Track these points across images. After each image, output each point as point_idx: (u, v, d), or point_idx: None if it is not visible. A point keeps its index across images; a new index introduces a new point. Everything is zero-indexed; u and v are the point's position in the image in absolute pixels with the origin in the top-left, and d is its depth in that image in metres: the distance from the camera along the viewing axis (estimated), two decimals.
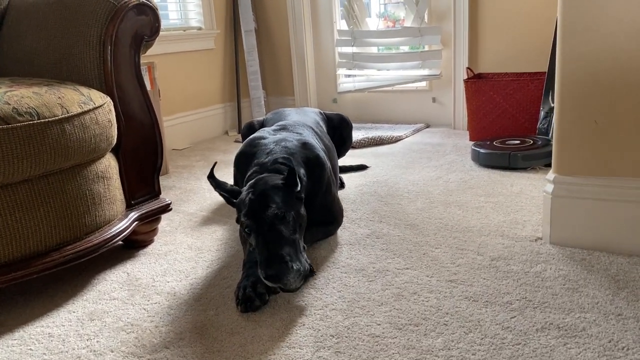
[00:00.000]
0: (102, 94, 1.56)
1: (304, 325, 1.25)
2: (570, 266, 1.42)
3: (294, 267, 1.28)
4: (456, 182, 2.23)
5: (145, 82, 2.02)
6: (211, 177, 1.51)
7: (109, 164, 1.60)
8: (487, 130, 2.85)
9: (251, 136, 1.77)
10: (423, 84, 3.42)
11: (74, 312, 1.39)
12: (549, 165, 2.31)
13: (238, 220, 1.44)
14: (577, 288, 1.31)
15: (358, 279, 1.44)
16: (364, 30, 3.47)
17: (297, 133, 1.76)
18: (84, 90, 1.51)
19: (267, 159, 1.57)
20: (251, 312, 1.31)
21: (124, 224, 1.63)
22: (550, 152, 2.29)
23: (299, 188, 1.44)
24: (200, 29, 3.52)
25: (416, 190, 2.15)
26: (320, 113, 2.25)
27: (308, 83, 3.76)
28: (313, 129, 1.89)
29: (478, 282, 1.38)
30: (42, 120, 1.33)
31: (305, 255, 1.38)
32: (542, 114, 2.66)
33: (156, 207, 1.78)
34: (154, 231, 1.83)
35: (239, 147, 3.29)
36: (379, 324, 1.22)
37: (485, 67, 3.09)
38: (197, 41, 3.49)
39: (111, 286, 1.52)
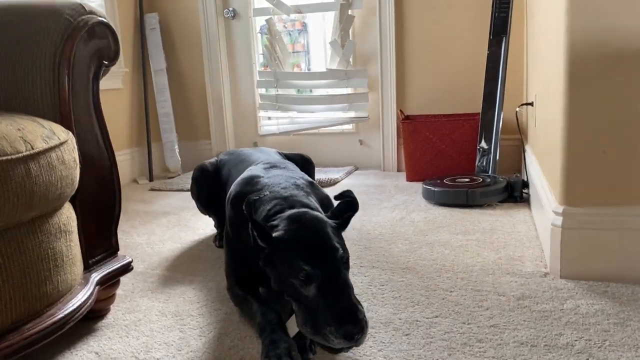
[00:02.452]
0: (62, 128, 1.25)
1: None
2: (598, 300, 1.37)
3: (366, 320, 1.08)
4: (423, 221, 2.15)
5: None
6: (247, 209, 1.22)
7: (70, 215, 1.27)
8: (424, 170, 2.85)
9: (244, 176, 1.53)
10: (349, 126, 3.38)
11: None
12: (502, 202, 2.34)
13: (267, 263, 1.19)
14: (623, 322, 1.25)
15: (392, 334, 1.26)
16: (288, 72, 3.37)
17: (292, 170, 1.57)
18: (43, 122, 1.20)
19: (287, 194, 1.35)
20: None
21: (87, 290, 1.29)
22: (503, 188, 2.34)
23: (345, 229, 1.25)
24: None
25: (388, 232, 2.03)
26: (279, 153, 2.07)
27: (226, 126, 3.53)
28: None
29: (521, 325, 1.28)
30: (4, 158, 1.00)
31: None
32: (479, 153, 2.73)
33: (117, 266, 1.45)
34: (112, 297, 1.49)
35: (158, 196, 2.97)
36: None
37: (413, 109, 3.13)
38: (104, 80, 3.09)
39: None
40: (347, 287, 1.11)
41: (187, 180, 3.17)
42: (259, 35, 3.47)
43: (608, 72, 1.42)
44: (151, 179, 3.38)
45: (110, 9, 3.14)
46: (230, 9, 3.43)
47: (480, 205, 2.31)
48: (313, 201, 1.37)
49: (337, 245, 1.15)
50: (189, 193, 2.90)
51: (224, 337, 1.29)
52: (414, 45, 3.10)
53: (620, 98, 1.43)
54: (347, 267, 1.18)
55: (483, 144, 2.72)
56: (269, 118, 3.52)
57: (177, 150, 3.48)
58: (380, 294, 1.49)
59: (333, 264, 1.12)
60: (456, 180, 2.48)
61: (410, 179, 2.92)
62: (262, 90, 3.46)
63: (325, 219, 1.23)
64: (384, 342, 1.23)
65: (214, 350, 1.24)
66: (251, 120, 3.56)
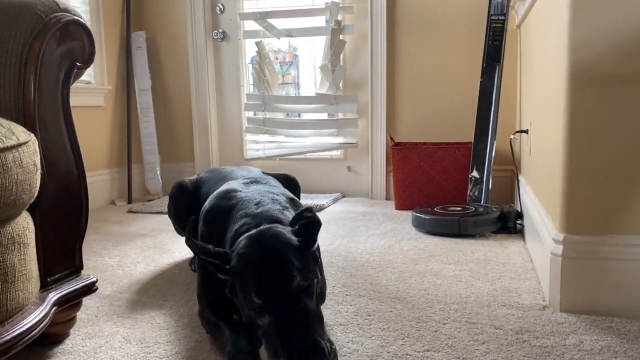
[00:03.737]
0: (24, 129, 1.13)
1: None
2: (603, 336, 1.27)
3: (331, 355, 0.96)
4: (413, 250, 2.04)
5: None
6: (191, 239, 1.13)
7: (26, 226, 1.14)
8: (413, 198, 2.76)
9: (220, 189, 1.42)
10: (337, 152, 3.30)
11: None
12: (496, 232, 2.25)
13: (232, 291, 1.08)
14: None
15: None
16: (276, 95, 3.29)
17: (273, 186, 1.46)
18: (2, 121, 1.08)
19: (258, 210, 1.24)
20: None
21: (42, 311, 1.15)
22: (496, 218, 2.25)
23: (315, 246, 1.13)
24: (89, 83, 3.06)
25: (377, 260, 1.92)
26: (264, 173, 1.96)
27: (210, 148, 3.43)
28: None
29: None
30: None
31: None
32: (471, 182, 2.64)
33: (79, 286, 1.32)
34: (72, 320, 1.35)
35: (136, 218, 2.83)
36: None
37: (404, 137, 3.06)
38: (85, 96, 3.02)
39: None
40: (305, 319, 1.00)
41: (167, 202, 3.04)
42: (250, 64, 3.41)
43: (610, 93, 1.35)
44: (130, 201, 3.25)
45: (96, 25, 3.07)
46: (220, 30, 3.37)
47: (472, 235, 2.21)
48: (288, 215, 1.26)
49: (294, 272, 1.04)
50: None
51: None
52: (405, 72, 3.05)
53: (624, 120, 1.35)
54: (310, 294, 1.06)
55: (475, 173, 2.65)
56: (256, 142, 3.43)
57: (158, 172, 3.36)
58: (367, 325, 1.37)
59: (286, 294, 1.01)
60: (448, 209, 2.39)
61: (399, 207, 2.82)
62: (250, 114, 3.37)
63: (289, 238, 1.11)
64: None
65: None
66: (237, 144, 3.47)
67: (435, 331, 1.32)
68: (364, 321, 1.39)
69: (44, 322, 1.15)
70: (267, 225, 1.15)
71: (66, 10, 1.30)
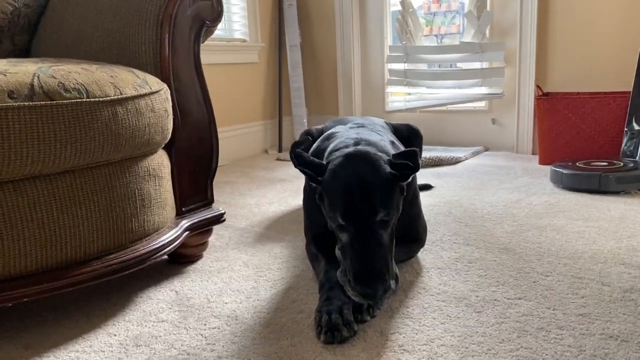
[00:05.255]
0: (158, 80, 1.34)
1: None
2: None
3: (391, 286, 1.05)
4: (541, 204, 1.95)
5: None
6: (293, 149, 1.28)
7: (162, 162, 1.37)
8: (560, 152, 2.58)
9: (327, 132, 1.53)
10: (482, 104, 3.18)
11: (115, 335, 1.14)
12: None
13: (321, 199, 1.22)
14: None
15: (462, 310, 1.17)
16: (419, 46, 3.26)
17: (379, 131, 1.52)
18: (139, 73, 1.30)
19: (357, 136, 1.32)
20: (336, 345, 1.05)
21: (174, 233, 1.39)
22: None
23: (406, 182, 1.19)
24: (244, 41, 3.35)
25: (497, 212, 1.88)
26: (386, 123, 2.01)
27: (354, 101, 3.54)
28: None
29: (617, 317, 1.10)
30: (92, 100, 1.11)
31: (396, 267, 1.16)
32: (626, 135, 2.39)
33: (209, 216, 1.54)
34: (203, 245, 1.58)
35: (282, 165, 3.10)
36: None
37: (554, 86, 2.84)
38: (241, 53, 3.31)
39: (158, 306, 1.27)
40: (377, 250, 1.09)
41: None
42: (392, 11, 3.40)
43: None
44: (280, 150, 3.53)
45: None
46: None
47: (616, 193, 2.03)
48: (386, 144, 1.31)
49: (377, 206, 1.12)
50: None
51: (291, 291, 1.31)
52: (558, 15, 2.79)
53: None
54: (387, 227, 1.14)
55: (634, 125, 2.38)
56: (397, 94, 3.45)
57: (305, 124, 3.58)
58: (464, 271, 1.38)
59: (367, 224, 1.12)
60: (591, 164, 2.20)
61: (543, 161, 2.66)
62: (392, 66, 3.39)
63: (382, 166, 1.16)
64: (449, 317, 1.14)
65: (279, 301, 1.26)
66: (379, 96, 3.52)
67: (534, 282, 1.30)
68: (462, 267, 1.41)
69: (176, 242, 1.38)
70: (365, 148, 1.22)
71: None
